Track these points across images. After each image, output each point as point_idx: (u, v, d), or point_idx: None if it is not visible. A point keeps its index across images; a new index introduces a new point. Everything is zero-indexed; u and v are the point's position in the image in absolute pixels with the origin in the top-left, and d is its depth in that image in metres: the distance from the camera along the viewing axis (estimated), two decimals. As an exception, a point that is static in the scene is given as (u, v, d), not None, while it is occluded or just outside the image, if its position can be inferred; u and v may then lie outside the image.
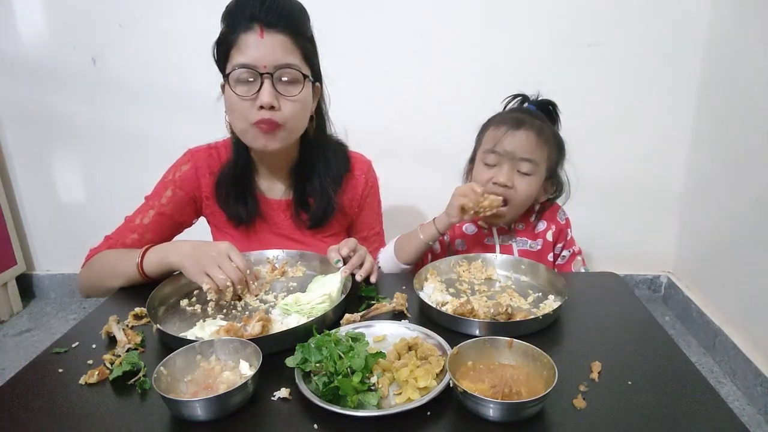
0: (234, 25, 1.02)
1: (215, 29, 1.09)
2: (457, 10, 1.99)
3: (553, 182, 1.26)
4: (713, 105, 1.98)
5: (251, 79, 1.02)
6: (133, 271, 1.04)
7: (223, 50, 1.05)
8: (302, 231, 1.23)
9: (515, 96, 1.29)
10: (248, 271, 0.98)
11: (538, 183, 1.21)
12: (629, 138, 2.14)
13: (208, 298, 0.95)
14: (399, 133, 2.12)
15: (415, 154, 2.15)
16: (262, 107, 1.02)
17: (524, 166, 1.17)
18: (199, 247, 0.99)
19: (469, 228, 1.30)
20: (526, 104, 1.28)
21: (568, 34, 2.01)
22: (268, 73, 1.01)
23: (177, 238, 1.23)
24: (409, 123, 2.13)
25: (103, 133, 2.22)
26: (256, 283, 1.01)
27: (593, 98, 2.07)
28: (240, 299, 0.99)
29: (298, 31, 1.03)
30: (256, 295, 1.01)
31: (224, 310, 0.96)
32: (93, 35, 2.08)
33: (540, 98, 1.27)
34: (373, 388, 0.70)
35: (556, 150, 1.23)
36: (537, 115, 1.22)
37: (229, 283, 0.94)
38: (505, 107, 1.29)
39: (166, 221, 1.18)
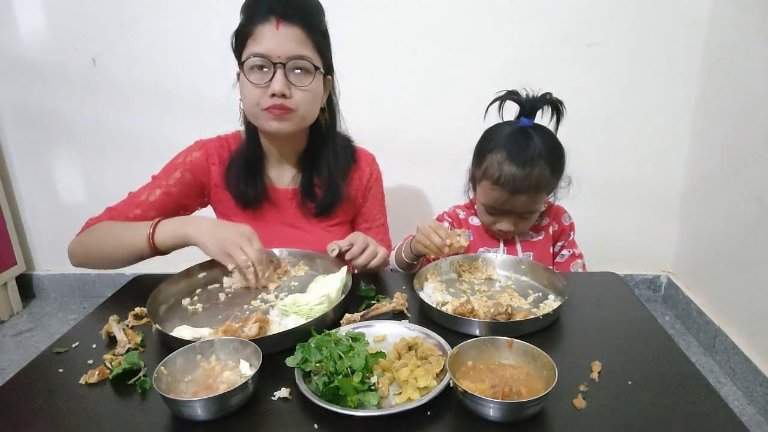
0: (251, 17, 1.05)
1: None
2: (457, 9, 1.99)
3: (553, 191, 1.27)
4: (713, 104, 1.98)
5: (265, 68, 1.05)
6: (142, 242, 1.02)
7: (240, 41, 1.08)
8: (308, 219, 1.25)
9: (503, 98, 1.19)
10: (265, 257, 1.00)
11: (540, 211, 1.25)
12: (629, 138, 2.14)
13: (231, 284, 1.04)
14: (399, 132, 2.12)
15: (415, 153, 2.15)
16: (273, 95, 1.05)
17: (526, 215, 1.21)
18: (219, 225, 1.00)
19: (474, 220, 1.32)
20: (521, 120, 1.18)
21: (568, 34, 2.01)
22: (281, 63, 1.04)
23: None
24: (409, 122, 2.13)
25: (103, 133, 2.22)
26: (277, 270, 1.05)
27: (593, 98, 2.06)
28: (263, 287, 1.02)
29: (312, 24, 1.07)
30: (278, 277, 1.07)
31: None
32: (93, 35, 2.08)
33: (531, 95, 1.17)
34: (373, 388, 0.70)
35: (556, 179, 1.21)
36: (533, 155, 1.13)
37: (250, 264, 0.96)
38: (499, 108, 1.21)
39: (171, 202, 1.19)
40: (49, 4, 2.07)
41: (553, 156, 1.17)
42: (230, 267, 0.96)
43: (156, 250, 1.03)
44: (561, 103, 1.19)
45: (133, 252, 1.05)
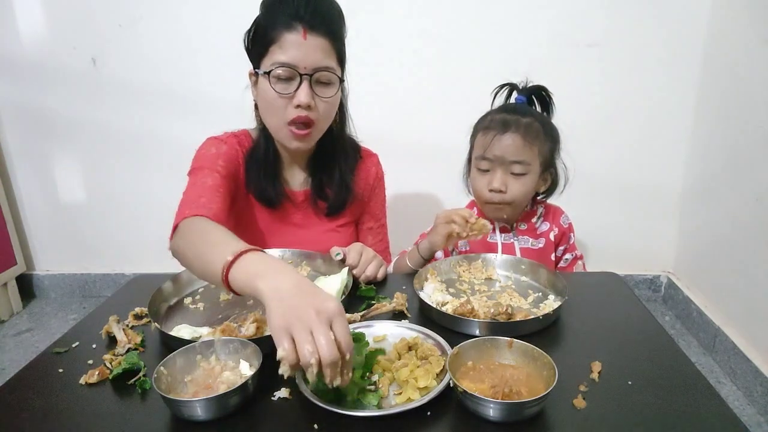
0: (275, 19, 1.02)
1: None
2: (456, 10, 1.99)
3: (551, 172, 1.26)
4: (713, 105, 1.98)
5: (290, 78, 1.04)
6: (218, 276, 0.76)
7: (260, 43, 1.06)
8: (318, 219, 1.26)
9: (503, 86, 1.29)
10: (348, 355, 0.65)
11: (533, 180, 1.21)
12: (629, 138, 2.14)
13: (279, 371, 0.63)
14: (400, 133, 2.12)
15: (414, 154, 2.15)
16: (298, 106, 1.05)
17: (516, 168, 1.18)
18: (300, 291, 0.67)
19: None
20: (514, 95, 1.27)
21: (568, 34, 2.01)
22: (307, 74, 1.03)
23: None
24: (408, 123, 2.13)
25: (103, 133, 2.22)
26: (352, 373, 0.68)
27: (593, 98, 2.07)
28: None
29: (337, 34, 1.07)
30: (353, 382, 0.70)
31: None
32: (93, 35, 2.08)
33: (529, 85, 1.26)
34: (373, 388, 0.70)
35: (549, 142, 1.21)
36: (524, 111, 1.20)
37: (313, 361, 0.62)
38: (494, 97, 1.29)
39: (229, 186, 1.10)
40: (49, 4, 2.07)
41: (545, 120, 1.22)
42: (279, 353, 0.63)
43: (233, 292, 0.77)
44: (550, 97, 1.26)
45: (212, 280, 0.81)
